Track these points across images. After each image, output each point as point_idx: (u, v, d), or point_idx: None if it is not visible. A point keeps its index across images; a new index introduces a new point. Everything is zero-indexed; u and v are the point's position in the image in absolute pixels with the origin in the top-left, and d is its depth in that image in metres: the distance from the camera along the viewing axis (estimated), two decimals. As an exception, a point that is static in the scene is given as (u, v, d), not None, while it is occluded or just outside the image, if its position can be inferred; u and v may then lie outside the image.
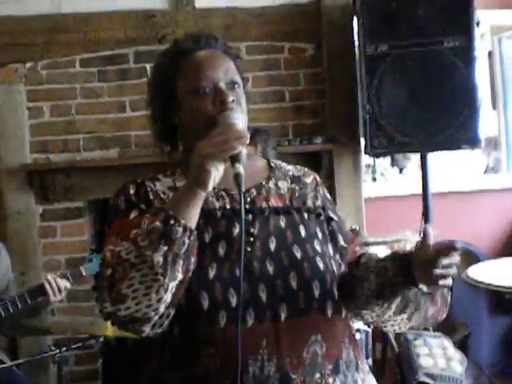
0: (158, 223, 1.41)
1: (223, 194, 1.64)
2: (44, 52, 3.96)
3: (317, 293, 1.55)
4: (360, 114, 3.84)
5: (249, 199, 1.63)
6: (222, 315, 1.49)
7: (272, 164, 1.77)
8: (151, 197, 1.62)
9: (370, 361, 3.26)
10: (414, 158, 4.48)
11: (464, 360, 3.30)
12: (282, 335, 1.50)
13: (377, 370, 3.74)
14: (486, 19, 4.53)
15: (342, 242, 1.72)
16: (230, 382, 1.47)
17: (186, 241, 1.42)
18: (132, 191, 1.65)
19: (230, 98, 1.60)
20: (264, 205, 1.64)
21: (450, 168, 4.68)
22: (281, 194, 1.68)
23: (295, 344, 1.51)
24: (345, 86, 3.99)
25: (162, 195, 1.63)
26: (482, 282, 3.61)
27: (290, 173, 1.76)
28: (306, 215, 1.67)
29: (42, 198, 3.98)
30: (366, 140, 3.70)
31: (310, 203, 1.70)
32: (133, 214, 1.59)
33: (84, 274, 3.12)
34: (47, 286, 3.01)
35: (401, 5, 3.58)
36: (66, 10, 3.96)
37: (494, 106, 4.85)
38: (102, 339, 3.14)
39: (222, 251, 1.55)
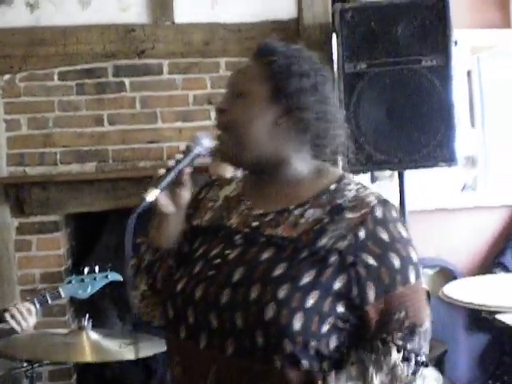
0: (139, 239, 1.63)
1: (245, 212, 1.59)
2: (22, 64, 3.94)
3: (260, 342, 1.40)
4: (338, 131, 3.85)
5: (256, 223, 1.53)
6: (182, 328, 1.53)
7: (333, 186, 1.55)
8: (202, 204, 1.69)
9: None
10: (394, 175, 4.50)
11: (439, 378, 3.30)
12: (230, 370, 1.45)
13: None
14: (465, 39, 4.57)
15: (369, 293, 1.42)
16: None
17: (147, 257, 1.61)
18: (201, 195, 1.72)
19: (219, 105, 1.59)
20: (266, 232, 1.51)
21: (429, 185, 4.70)
22: (296, 224, 1.49)
23: None
24: (323, 103, 3.99)
25: (208, 204, 1.68)
26: (458, 300, 3.62)
27: (340, 201, 1.51)
28: (303, 254, 1.44)
29: (18, 212, 3.94)
30: (343, 157, 3.70)
31: (324, 242, 1.44)
32: None
33: (63, 295, 3.11)
34: (8, 317, 2.95)
35: (379, 24, 3.59)
36: (45, 23, 3.94)
37: (473, 124, 4.89)
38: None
39: (196, 269, 1.54)
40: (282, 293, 1.40)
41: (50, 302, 3.06)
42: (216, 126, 1.59)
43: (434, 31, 3.55)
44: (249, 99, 1.54)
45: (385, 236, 1.45)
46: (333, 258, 1.43)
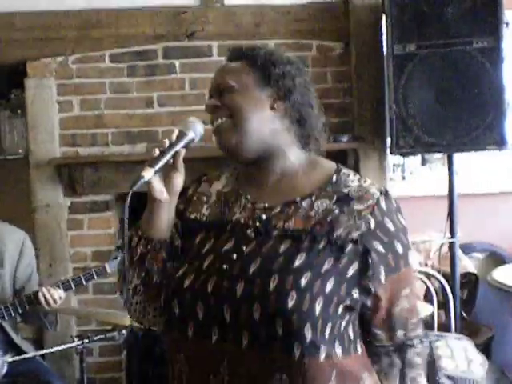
0: (130, 231, 1.60)
1: (249, 206, 1.60)
2: (75, 47, 4.01)
3: (280, 331, 1.43)
4: (387, 114, 3.84)
5: (265, 216, 1.56)
6: (190, 325, 1.52)
7: (334, 178, 1.61)
8: (195, 198, 1.69)
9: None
10: (445, 158, 4.47)
11: (485, 363, 3.27)
12: (244, 361, 1.47)
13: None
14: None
15: (381, 276, 1.53)
16: None
17: (139, 249, 1.58)
18: (190, 190, 1.72)
19: (211, 103, 1.59)
20: (279, 225, 1.54)
21: (479, 169, 4.66)
22: (308, 216, 1.54)
23: (257, 377, 1.46)
24: (372, 85, 3.98)
25: (202, 198, 1.68)
26: (507, 285, 3.59)
27: (345, 190, 1.58)
28: (321, 244, 1.51)
29: (70, 191, 4.03)
30: (391, 139, 3.70)
31: (339, 232, 1.52)
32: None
33: (108, 271, 3.22)
34: (41, 296, 3.12)
35: (430, 5, 3.56)
36: (98, 6, 4.00)
37: (525, 107, 4.81)
38: (124, 331, 3.19)
39: (206, 263, 1.54)
40: (303, 281, 1.46)
41: (95, 277, 3.19)
42: (214, 116, 1.59)
43: (485, 12, 3.51)
44: (240, 90, 1.57)
45: (390, 226, 1.57)
46: (348, 247, 1.51)
